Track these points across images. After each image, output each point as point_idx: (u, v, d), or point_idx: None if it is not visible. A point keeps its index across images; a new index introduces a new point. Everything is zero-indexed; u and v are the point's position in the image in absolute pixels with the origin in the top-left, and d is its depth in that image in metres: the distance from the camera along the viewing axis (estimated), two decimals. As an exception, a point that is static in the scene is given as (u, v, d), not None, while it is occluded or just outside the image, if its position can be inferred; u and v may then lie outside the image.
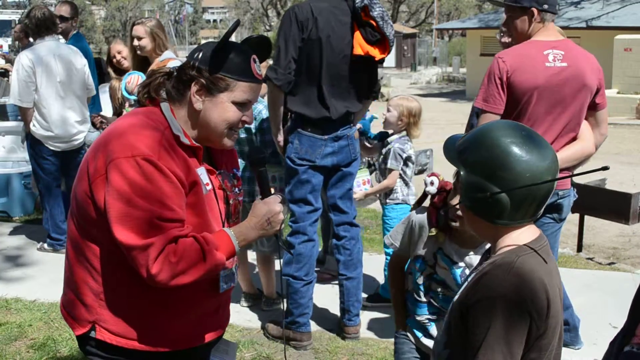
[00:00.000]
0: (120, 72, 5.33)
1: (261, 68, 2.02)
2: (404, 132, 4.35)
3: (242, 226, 2.02)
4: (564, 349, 3.82)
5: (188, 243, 1.87)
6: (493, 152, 1.64)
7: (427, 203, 2.58)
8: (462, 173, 1.68)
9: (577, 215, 5.78)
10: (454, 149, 1.73)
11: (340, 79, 3.71)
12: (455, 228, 2.38)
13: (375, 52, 3.68)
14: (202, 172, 1.98)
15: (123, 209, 1.81)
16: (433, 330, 2.55)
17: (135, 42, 4.66)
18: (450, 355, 1.75)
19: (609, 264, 5.62)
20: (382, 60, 3.78)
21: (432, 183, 2.46)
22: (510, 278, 1.61)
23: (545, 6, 3.20)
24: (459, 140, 1.76)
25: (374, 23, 3.63)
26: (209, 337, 2.12)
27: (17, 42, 9.73)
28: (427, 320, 2.55)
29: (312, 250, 3.85)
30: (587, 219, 5.97)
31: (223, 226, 2.06)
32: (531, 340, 1.62)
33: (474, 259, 2.40)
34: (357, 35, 3.63)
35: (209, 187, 2.00)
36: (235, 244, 1.97)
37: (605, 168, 1.63)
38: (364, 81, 3.84)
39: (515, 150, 1.63)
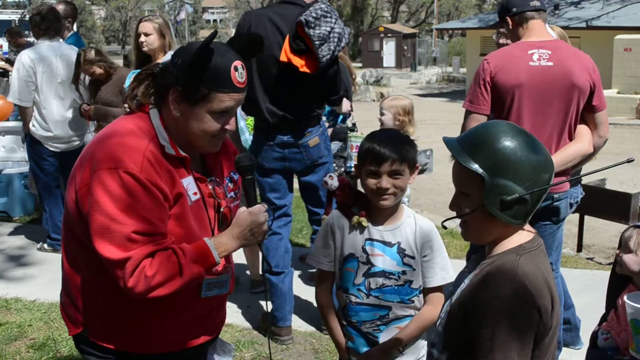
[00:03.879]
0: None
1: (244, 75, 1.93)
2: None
3: (224, 236, 1.99)
4: (564, 349, 3.83)
5: (165, 257, 1.85)
6: (513, 153, 1.65)
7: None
8: (486, 178, 1.66)
9: (577, 215, 5.78)
10: (465, 155, 1.70)
11: (272, 83, 3.73)
12: (376, 208, 2.34)
13: (299, 62, 3.62)
14: (189, 181, 1.96)
15: (103, 221, 1.80)
16: (383, 337, 2.37)
17: (142, 39, 4.65)
18: (451, 357, 1.74)
19: (609, 264, 5.62)
20: (318, 72, 3.64)
21: (331, 177, 2.47)
22: (515, 277, 1.62)
23: (514, 9, 3.24)
24: (460, 143, 1.73)
25: (308, 42, 3.57)
26: (200, 340, 2.12)
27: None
28: (376, 326, 2.37)
29: (278, 243, 3.94)
30: (587, 219, 5.97)
31: (212, 233, 2.04)
32: (537, 337, 1.63)
33: (402, 229, 2.37)
34: (286, 41, 3.63)
35: (197, 196, 1.98)
36: (215, 255, 1.93)
37: (630, 160, 1.71)
38: (308, 90, 3.77)
39: (530, 150, 1.67)
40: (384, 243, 2.35)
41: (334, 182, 2.45)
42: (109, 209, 1.80)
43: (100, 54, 5.23)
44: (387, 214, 2.37)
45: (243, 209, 2.02)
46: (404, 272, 2.34)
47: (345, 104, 4.42)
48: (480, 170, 1.66)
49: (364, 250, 2.35)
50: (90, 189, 1.83)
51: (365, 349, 2.39)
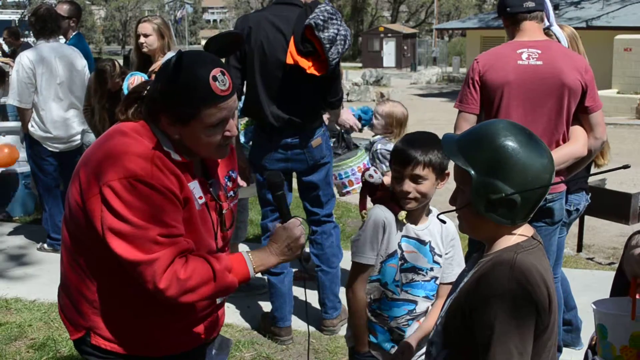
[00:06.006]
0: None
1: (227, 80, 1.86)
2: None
3: (262, 252, 2.00)
4: (565, 349, 3.83)
5: (199, 262, 1.86)
6: (506, 153, 1.64)
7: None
8: (473, 175, 1.66)
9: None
10: (456, 151, 1.71)
11: (277, 86, 3.73)
12: (407, 209, 2.37)
13: (306, 64, 3.61)
14: (194, 186, 1.96)
15: (127, 230, 1.79)
16: (411, 329, 2.46)
17: (142, 40, 4.64)
18: (449, 355, 1.74)
19: (609, 264, 5.62)
20: (328, 74, 3.66)
21: (376, 171, 2.47)
22: (513, 275, 1.62)
23: (508, 9, 3.24)
24: (458, 140, 1.74)
25: (317, 44, 3.57)
26: (202, 340, 2.12)
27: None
28: (405, 321, 2.45)
29: None
30: (587, 219, 5.97)
31: (215, 237, 2.05)
32: (535, 334, 1.63)
33: (431, 227, 2.43)
34: (291, 43, 3.63)
35: (202, 200, 1.99)
36: (251, 269, 1.95)
37: (626, 166, 1.68)
38: (313, 92, 3.77)
39: (527, 150, 1.65)
40: (419, 241, 2.42)
41: (378, 176, 2.44)
42: (128, 217, 1.79)
43: (120, 66, 5.16)
44: (421, 213, 2.43)
45: (278, 224, 2.03)
46: (431, 269, 2.43)
47: (350, 118, 4.37)
48: (466, 167, 1.66)
49: (400, 247, 2.40)
50: (102, 200, 1.81)
51: (387, 345, 2.46)
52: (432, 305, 2.49)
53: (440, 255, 2.44)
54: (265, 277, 4.24)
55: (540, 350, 1.67)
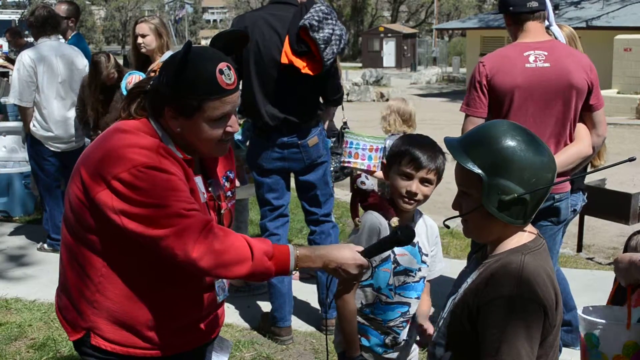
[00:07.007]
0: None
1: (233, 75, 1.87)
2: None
3: (312, 252, 1.97)
4: (565, 349, 3.83)
5: (238, 239, 1.85)
6: (513, 153, 1.65)
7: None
8: (484, 178, 1.66)
9: (577, 215, 5.77)
10: (464, 155, 1.70)
11: (272, 85, 3.74)
12: (400, 210, 2.39)
13: (300, 64, 3.61)
14: (199, 181, 1.97)
15: (143, 212, 1.79)
16: (404, 333, 2.49)
17: (139, 40, 4.65)
18: (454, 356, 1.74)
19: (609, 264, 5.62)
20: (323, 73, 3.66)
21: (367, 179, 2.48)
22: (521, 275, 1.62)
23: (511, 8, 3.22)
24: (460, 143, 1.74)
25: (311, 44, 3.57)
26: (202, 339, 2.12)
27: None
28: (400, 323, 2.47)
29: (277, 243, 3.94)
30: (587, 219, 5.97)
31: None
32: (542, 336, 1.63)
33: (417, 228, 2.46)
34: (286, 43, 3.64)
35: (205, 196, 1.99)
36: (292, 263, 1.91)
37: (632, 159, 1.70)
38: (309, 91, 3.79)
39: (531, 149, 1.66)
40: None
41: (370, 183, 2.45)
42: (146, 200, 1.79)
43: (115, 58, 5.15)
44: (412, 215, 2.47)
45: (354, 246, 2.00)
46: (419, 269, 2.46)
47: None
48: (477, 170, 1.66)
49: (392, 251, 2.41)
50: (116, 193, 1.80)
51: (379, 348, 2.49)
52: (420, 305, 2.51)
53: (427, 255, 2.48)
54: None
55: (547, 351, 1.67)
